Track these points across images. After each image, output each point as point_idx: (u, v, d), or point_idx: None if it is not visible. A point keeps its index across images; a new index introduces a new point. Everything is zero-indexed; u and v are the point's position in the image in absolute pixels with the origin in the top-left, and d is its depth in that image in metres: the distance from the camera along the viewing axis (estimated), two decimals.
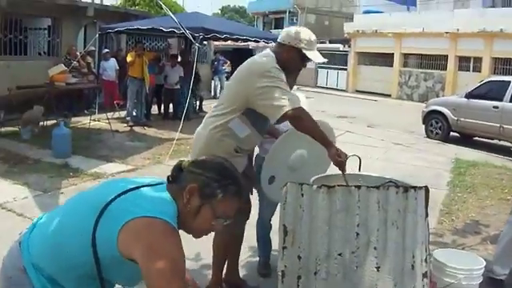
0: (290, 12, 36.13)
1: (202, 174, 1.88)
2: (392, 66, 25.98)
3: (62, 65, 11.53)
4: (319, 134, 3.26)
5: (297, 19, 34.87)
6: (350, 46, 28.70)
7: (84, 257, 1.79)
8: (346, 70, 29.04)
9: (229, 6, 65.40)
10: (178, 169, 1.95)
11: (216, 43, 22.37)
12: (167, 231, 1.73)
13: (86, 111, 12.43)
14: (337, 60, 29.18)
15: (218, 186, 1.86)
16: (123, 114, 12.65)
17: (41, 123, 10.39)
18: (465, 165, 9.37)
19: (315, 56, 3.43)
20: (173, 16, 9.37)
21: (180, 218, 1.85)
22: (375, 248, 2.75)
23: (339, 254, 2.78)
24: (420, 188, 2.87)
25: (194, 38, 10.19)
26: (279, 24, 37.56)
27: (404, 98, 24.98)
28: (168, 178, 1.97)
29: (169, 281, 1.64)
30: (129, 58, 11.98)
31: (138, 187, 1.89)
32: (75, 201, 1.96)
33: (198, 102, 14.94)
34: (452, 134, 12.80)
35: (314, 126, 3.27)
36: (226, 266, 3.97)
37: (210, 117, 3.55)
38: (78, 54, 12.68)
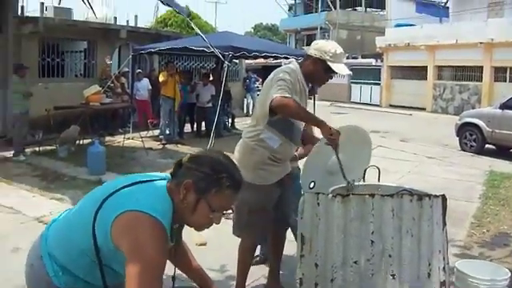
0: (321, 28, 36.15)
1: (196, 169, 1.92)
2: (426, 79, 25.70)
3: (97, 86, 11.88)
4: (306, 116, 3.42)
5: (328, 35, 34.87)
6: (382, 61, 28.54)
7: (87, 246, 1.89)
8: (379, 84, 28.85)
9: (261, 24, 65.80)
10: (178, 165, 1.99)
11: (248, 61, 22.59)
12: (152, 228, 1.78)
13: (120, 130, 12.74)
14: (370, 75, 29.08)
15: (211, 180, 1.89)
16: (157, 132, 12.91)
17: (77, 142, 10.73)
18: (499, 177, 9.21)
19: (339, 68, 3.50)
20: (202, 35, 9.56)
21: (178, 213, 1.92)
22: (390, 256, 2.77)
23: (355, 262, 2.82)
24: (436, 196, 2.90)
25: (224, 56, 10.35)
26: (311, 40, 36.96)
27: (439, 112, 24.65)
28: (170, 173, 2.04)
29: (143, 281, 1.71)
30: (161, 78, 12.26)
31: (138, 182, 1.96)
32: (86, 196, 2.07)
33: (230, 120, 15.11)
34: (487, 146, 12.56)
35: (298, 111, 3.37)
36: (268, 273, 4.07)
37: (248, 127, 3.73)
38: (112, 74, 13.03)
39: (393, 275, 2.77)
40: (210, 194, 1.90)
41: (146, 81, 13.93)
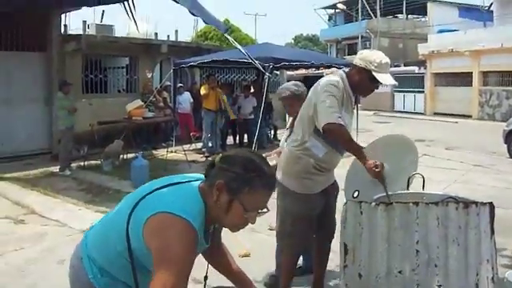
0: (362, 37, 35.92)
1: (228, 169, 1.89)
2: (471, 85, 25.16)
3: (139, 100, 12.07)
4: (352, 148, 3.39)
5: (370, 44, 34.60)
6: (425, 68, 28.09)
7: (122, 248, 1.92)
8: (423, 92, 28.40)
9: (301, 35, 65.79)
10: (211, 165, 1.97)
11: (289, 72, 22.58)
12: (181, 230, 1.78)
13: (163, 144, 12.88)
14: (413, 83, 28.66)
15: (243, 179, 1.86)
16: (199, 145, 13.00)
17: (121, 156, 10.91)
18: None
19: (385, 78, 3.46)
20: (240, 48, 9.58)
21: (211, 214, 1.91)
22: (436, 265, 2.69)
23: (399, 272, 2.74)
24: (483, 204, 2.80)
25: (264, 67, 10.35)
26: (352, 50, 37.40)
27: (486, 118, 24.06)
28: (204, 174, 2.02)
29: (168, 283, 1.71)
30: (203, 91, 12.36)
31: (171, 184, 1.96)
32: (122, 200, 2.09)
33: (272, 131, 15.09)
34: None
35: (344, 141, 3.40)
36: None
37: (292, 135, 3.77)
38: (153, 89, 13.21)
39: (439, 286, 2.69)
40: (242, 193, 1.87)
41: (187, 94, 14.09)
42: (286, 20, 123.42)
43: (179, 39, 18.43)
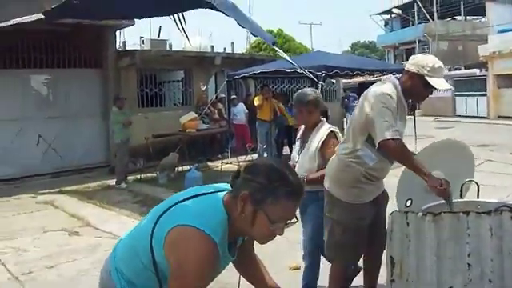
0: (420, 41, 35.13)
1: (252, 179, 1.82)
2: None
3: (193, 113, 12.17)
4: (412, 165, 3.23)
5: (428, 48, 33.79)
6: (487, 70, 27.07)
7: (147, 261, 1.90)
8: (485, 95, 27.34)
9: (358, 42, 65.10)
10: (236, 176, 1.91)
11: (345, 80, 22.30)
12: (200, 244, 1.76)
13: (219, 155, 12.93)
14: (475, 86, 27.65)
15: (266, 189, 1.79)
16: (255, 156, 12.96)
17: (176, 168, 11.01)
18: None
19: (438, 83, 3.33)
20: (287, 58, 9.53)
21: (235, 226, 1.87)
22: (490, 280, 2.52)
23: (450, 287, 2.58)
24: None
25: (317, 76, 10.22)
26: (410, 55, 35.98)
27: None
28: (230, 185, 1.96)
29: None
30: (256, 102, 12.34)
31: (194, 196, 1.93)
32: (149, 213, 2.06)
33: None
34: None
35: (402, 158, 3.28)
36: None
37: (342, 143, 3.65)
38: (208, 101, 13.31)
39: None
40: (266, 204, 1.79)
41: (241, 105, 14.11)
42: (342, 28, 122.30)
43: (235, 51, 18.54)
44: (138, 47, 15.28)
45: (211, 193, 1.95)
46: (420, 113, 28.69)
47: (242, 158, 12.43)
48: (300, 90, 4.33)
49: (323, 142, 3.89)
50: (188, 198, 1.92)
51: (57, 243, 6.34)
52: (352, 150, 3.47)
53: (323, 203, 3.71)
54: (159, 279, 1.90)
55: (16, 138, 11.21)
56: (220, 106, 14.11)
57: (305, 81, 16.32)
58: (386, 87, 3.38)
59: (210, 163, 12.53)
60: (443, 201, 3.14)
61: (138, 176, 10.74)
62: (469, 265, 2.55)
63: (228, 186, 1.98)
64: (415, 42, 35.31)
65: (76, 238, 6.56)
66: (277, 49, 8.71)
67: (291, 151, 13.90)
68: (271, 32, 29.02)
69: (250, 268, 2.26)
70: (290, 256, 4.94)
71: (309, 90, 4.29)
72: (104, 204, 8.38)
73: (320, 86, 10.27)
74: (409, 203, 3.40)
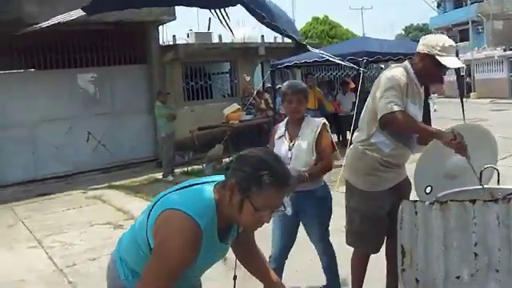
0: (473, 22, 33.96)
1: (239, 169, 1.88)
2: None
3: (236, 104, 12.21)
4: (418, 130, 3.24)
5: (482, 28, 32.64)
6: None
7: (146, 249, 1.99)
8: None
9: (411, 25, 63.52)
10: (228, 167, 1.95)
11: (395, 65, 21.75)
12: (183, 229, 1.84)
13: (267, 145, 12.87)
14: None
15: (252, 179, 1.83)
16: None
17: (223, 160, 11.05)
18: None
19: (450, 61, 3.24)
20: (317, 51, 9.40)
21: (225, 213, 1.93)
22: (497, 270, 2.44)
23: (457, 277, 2.52)
24: None
25: (358, 63, 10.04)
26: (465, 36, 35.54)
27: None
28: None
29: (155, 274, 1.86)
30: None
31: (185, 187, 2.03)
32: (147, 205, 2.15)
33: None
34: None
35: (407, 126, 3.22)
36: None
37: (357, 131, 3.60)
38: (253, 91, 13.29)
39: None
40: (251, 192, 1.83)
41: None
42: (394, 11, 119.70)
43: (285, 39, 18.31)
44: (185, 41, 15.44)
45: (201, 183, 2.03)
46: (475, 95, 27.91)
47: None
48: (288, 81, 4.17)
49: (319, 134, 3.72)
50: (178, 189, 2.02)
51: (101, 236, 6.53)
52: (366, 138, 3.43)
53: (321, 201, 3.74)
54: None
55: (66, 136, 11.61)
56: (266, 95, 14.09)
57: (349, 68, 16.13)
58: (395, 71, 3.33)
59: None
60: (462, 188, 3.06)
61: (185, 168, 10.90)
62: (475, 254, 2.48)
63: (218, 178, 2.04)
64: (468, 22, 34.17)
65: (120, 231, 6.62)
66: (304, 42, 8.59)
67: (339, 138, 13.90)
68: (317, 19, 28.79)
69: (251, 260, 2.32)
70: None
71: (298, 81, 4.07)
72: (151, 197, 8.47)
73: (362, 72, 10.12)
74: (428, 190, 3.29)
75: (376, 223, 3.46)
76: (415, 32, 59.55)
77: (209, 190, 1.97)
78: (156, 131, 11.88)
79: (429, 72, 3.32)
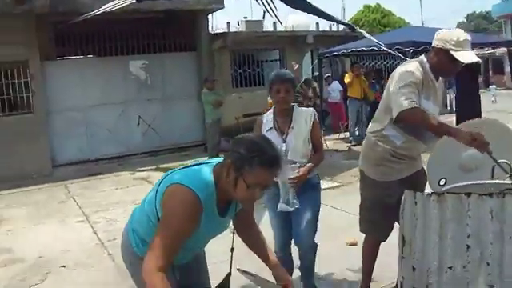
0: None
1: (235, 150, 2.13)
2: None
3: None
4: (437, 128, 3.16)
5: None
6: None
7: (155, 220, 2.26)
8: None
9: (474, 12, 61.23)
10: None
11: None
12: (185, 200, 2.11)
13: None
14: None
15: (244, 159, 2.08)
16: (347, 134, 13.00)
17: None
18: None
19: (464, 56, 3.21)
20: (369, 36, 9.44)
21: (223, 189, 2.19)
22: (488, 264, 2.49)
23: (450, 268, 2.59)
24: None
25: (405, 53, 10.03)
26: None
27: None
28: None
29: (161, 242, 2.08)
30: (347, 79, 12.31)
31: (188, 166, 2.32)
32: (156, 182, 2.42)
33: None
34: None
35: (423, 122, 3.18)
36: None
37: (372, 122, 3.66)
38: (300, 79, 13.40)
39: (491, 286, 2.49)
40: (244, 171, 2.08)
41: (335, 83, 14.08)
42: None
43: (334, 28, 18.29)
44: (240, 29, 15.68)
45: (203, 164, 2.31)
46: None
47: (337, 135, 12.56)
48: (276, 70, 4.01)
49: (313, 124, 3.68)
50: (182, 168, 2.30)
51: None
52: (379, 129, 3.49)
53: (316, 186, 3.79)
54: None
55: (119, 119, 12.14)
56: (314, 84, 14.18)
57: (396, 57, 15.95)
58: (411, 66, 3.33)
59: None
60: (474, 182, 3.06)
61: None
62: (468, 246, 2.53)
63: (219, 160, 2.31)
64: None
65: None
66: (357, 28, 8.67)
67: None
68: (368, 7, 28.27)
69: (250, 237, 2.56)
70: (348, 232, 5.11)
71: (286, 70, 4.03)
72: None
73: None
74: (442, 182, 3.33)
75: (385, 211, 3.50)
76: (478, 20, 57.38)
77: (209, 169, 2.23)
78: (203, 117, 12.25)
79: (443, 67, 3.32)
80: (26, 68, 10.78)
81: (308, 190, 3.66)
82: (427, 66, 3.34)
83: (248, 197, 2.17)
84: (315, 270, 3.99)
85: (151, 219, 2.29)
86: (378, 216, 3.58)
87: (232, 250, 2.50)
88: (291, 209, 3.55)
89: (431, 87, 3.38)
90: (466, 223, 2.55)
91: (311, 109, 3.83)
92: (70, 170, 11.06)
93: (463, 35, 3.25)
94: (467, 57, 3.21)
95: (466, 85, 12.11)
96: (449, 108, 18.05)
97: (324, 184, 8.07)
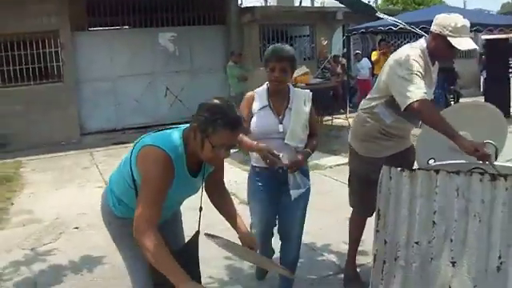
0: None
1: (199, 114, 2.29)
2: None
3: (305, 67, 12.28)
4: (444, 128, 3.02)
5: None
6: None
7: (130, 180, 2.45)
8: None
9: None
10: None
11: (485, 37, 20.67)
12: (158, 159, 2.28)
13: (341, 110, 13.03)
14: None
15: (208, 122, 2.24)
16: None
17: None
18: None
19: (461, 43, 3.16)
20: (391, 18, 9.30)
21: (192, 150, 2.36)
22: (451, 240, 2.55)
23: (416, 243, 2.68)
24: None
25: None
26: None
27: None
28: None
29: (145, 197, 2.26)
30: (373, 57, 12.24)
31: (160, 130, 2.48)
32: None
33: (455, 99, 14.22)
34: None
35: (435, 119, 3.08)
36: None
37: (365, 99, 3.69)
38: (328, 56, 13.39)
39: (453, 262, 2.56)
40: (209, 133, 2.25)
41: (365, 60, 13.97)
42: None
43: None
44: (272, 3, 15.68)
45: (174, 128, 2.47)
46: None
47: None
48: (273, 45, 3.52)
49: (311, 107, 3.44)
50: (153, 133, 2.47)
51: None
52: (370, 107, 3.51)
53: (306, 172, 3.48)
54: (137, 194, 2.39)
55: (146, 90, 12.39)
56: (343, 61, 14.13)
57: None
58: (416, 53, 3.26)
59: (328, 118, 12.67)
60: (456, 161, 3.09)
61: None
62: (434, 223, 2.59)
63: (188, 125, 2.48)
64: None
65: None
66: (377, 11, 8.57)
67: None
68: None
69: (220, 201, 2.73)
70: None
71: (285, 45, 3.50)
72: None
73: None
74: (431, 162, 3.33)
75: (370, 187, 3.39)
76: None
77: (178, 133, 2.40)
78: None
79: (440, 53, 3.28)
80: (57, 38, 11.06)
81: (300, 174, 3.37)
82: (426, 51, 3.31)
83: (214, 156, 2.32)
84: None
85: (127, 180, 2.47)
86: (365, 190, 3.62)
87: (200, 209, 2.64)
88: (303, 190, 3.35)
89: (428, 72, 3.33)
90: (434, 199, 2.62)
91: (307, 90, 3.54)
92: (97, 138, 11.40)
93: (461, 21, 3.19)
94: (464, 44, 3.17)
95: (495, 70, 11.90)
96: (482, 90, 17.68)
97: (338, 160, 8.20)
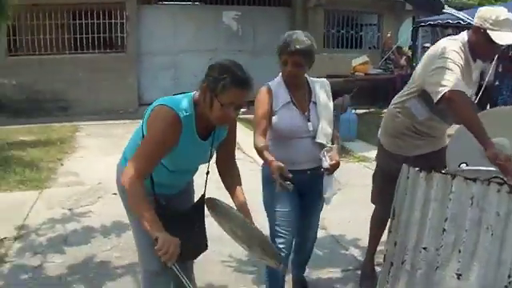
0: None
1: (209, 74, 2.38)
2: None
3: (365, 56, 12.05)
4: (475, 126, 2.81)
5: None
6: None
7: (140, 139, 2.53)
8: None
9: None
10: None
11: None
12: (167, 116, 2.38)
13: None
14: None
15: (217, 80, 2.32)
16: None
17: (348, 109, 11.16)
18: None
19: (501, 37, 2.97)
20: (456, 13, 8.96)
21: (201, 111, 2.43)
22: (460, 251, 2.44)
23: (424, 248, 2.58)
24: None
25: None
26: None
27: None
28: None
29: (144, 149, 2.39)
30: None
31: (175, 94, 2.57)
32: None
33: None
34: None
35: (468, 114, 2.87)
36: None
37: (398, 95, 3.56)
38: (392, 46, 13.06)
39: (458, 275, 2.45)
40: (217, 91, 2.32)
41: None
42: None
43: None
44: None
45: (186, 93, 2.55)
46: None
47: None
48: (288, 33, 3.22)
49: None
50: (167, 97, 2.55)
51: None
52: (402, 101, 3.39)
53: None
54: None
55: (206, 66, 12.42)
56: (409, 52, 13.76)
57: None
58: (453, 44, 3.11)
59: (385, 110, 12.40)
60: (487, 168, 2.82)
61: None
62: (444, 230, 2.49)
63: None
64: None
65: None
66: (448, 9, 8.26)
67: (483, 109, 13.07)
68: None
69: (224, 168, 2.77)
70: None
71: (302, 36, 3.12)
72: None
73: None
74: (463, 167, 3.08)
75: (392, 185, 3.07)
76: None
77: (189, 96, 2.49)
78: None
79: (480, 49, 3.08)
80: (123, 10, 11.38)
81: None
82: (467, 46, 3.12)
83: (223, 115, 2.37)
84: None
85: (137, 140, 2.56)
86: (389, 188, 3.28)
87: (207, 173, 2.73)
88: (337, 192, 3.10)
89: (468, 68, 3.15)
90: (447, 205, 2.51)
91: (324, 79, 3.31)
92: None
93: (504, 14, 2.99)
94: (503, 38, 2.96)
95: None
96: None
97: None
